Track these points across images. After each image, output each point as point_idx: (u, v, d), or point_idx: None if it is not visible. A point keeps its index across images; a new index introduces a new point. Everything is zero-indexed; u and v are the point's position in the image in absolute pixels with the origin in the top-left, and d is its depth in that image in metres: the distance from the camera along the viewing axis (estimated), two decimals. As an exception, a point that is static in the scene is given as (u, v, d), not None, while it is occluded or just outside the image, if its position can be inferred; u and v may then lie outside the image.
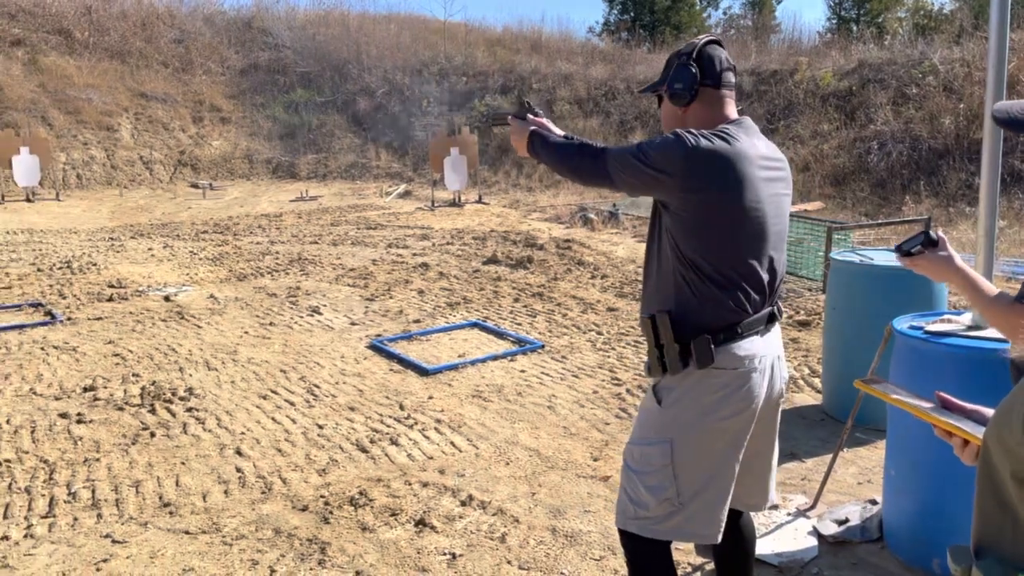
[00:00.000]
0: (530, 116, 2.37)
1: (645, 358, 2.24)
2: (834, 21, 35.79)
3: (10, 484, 3.64)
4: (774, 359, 2.10)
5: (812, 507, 3.30)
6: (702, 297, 1.99)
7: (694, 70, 2.04)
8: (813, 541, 3.07)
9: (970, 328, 2.74)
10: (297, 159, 19.99)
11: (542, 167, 16.11)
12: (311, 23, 26.37)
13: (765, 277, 2.04)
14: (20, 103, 19.03)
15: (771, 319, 2.09)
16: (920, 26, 28.11)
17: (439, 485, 3.58)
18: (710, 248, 1.98)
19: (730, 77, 2.10)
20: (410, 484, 3.60)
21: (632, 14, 37.67)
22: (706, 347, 1.97)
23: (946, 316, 2.91)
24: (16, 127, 16.98)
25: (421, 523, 3.23)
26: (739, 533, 2.28)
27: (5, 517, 3.34)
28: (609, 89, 17.10)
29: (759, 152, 2.03)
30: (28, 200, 15.33)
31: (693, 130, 1.98)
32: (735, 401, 2.00)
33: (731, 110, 2.10)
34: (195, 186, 18.09)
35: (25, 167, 15.22)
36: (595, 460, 3.85)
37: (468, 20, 35.70)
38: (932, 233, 1.84)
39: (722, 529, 2.07)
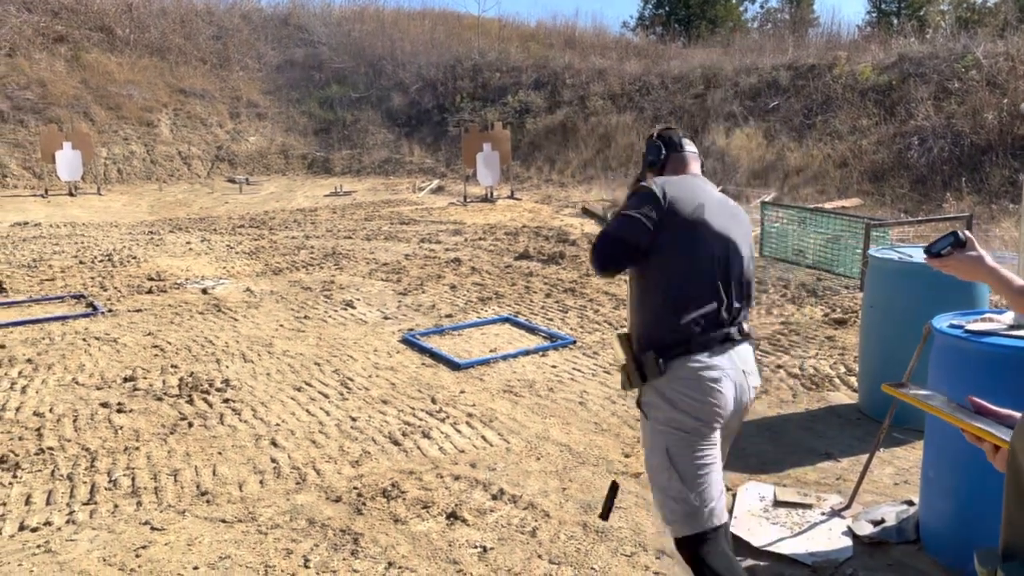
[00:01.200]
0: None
1: None
2: (874, 15, 35.19)
3: (53, 471, 3.73)
4: (737, 374, 2.34)
5: (847, 507, 3.26)
6: (657, 318, 2.30)
7: (660, 144, 2.54)
8: (848, 541, 3.03)
9: (1012, 327, 2.69)
10: (332, 154, 20.16)
11: (574, 163, 16.08)
12: (346, 19, 26.56)
13: (721, 302, 2.32)
14: (63, 99, 19.43)
15: (728, 339, 2.33)
16: (963, 19, 27.52)
17: (471, 479, 3.60)
18: (669, 275, 2.30)
19: (688, 145, 2.56)
20: (442, 477, 3.63)
21: (667, 8, 37.38)
22: (654, 362, 2.26)
23: (987, 315, 2.85)
24: (59, 123, 17.36)
25: (453, 516, 3.25)
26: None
27: (48, 503, 3.42)
28: (643, 84, 16.99)
29: (715, 196, 2.43)
30: (70, 194, 15.65)
31: (657, 179, 2.38)
32: (694, 405, 2.26)
33: (694, 168, 2.55)
34: (232, 181, 18.34)
35: (68, 162, 15.55)
36: (627, 457, 3.84)
37: (502, 16, 35.68)
38: (960, 233, 1.86)
39: (723, 510, 2.33)
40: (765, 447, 3.95)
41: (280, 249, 9.75)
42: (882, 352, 4.10)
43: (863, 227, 6.95)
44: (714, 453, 2.29)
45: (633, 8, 66.00)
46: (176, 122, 20.59)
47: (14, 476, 3.67)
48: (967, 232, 1.87)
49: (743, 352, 2.39)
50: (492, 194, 14.23)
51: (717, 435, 2.31)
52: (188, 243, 10.28)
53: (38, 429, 4.23)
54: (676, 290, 2.28)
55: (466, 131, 14.38)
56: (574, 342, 5.73)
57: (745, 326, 2.42)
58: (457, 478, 3.61)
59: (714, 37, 30.77)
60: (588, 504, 3.36)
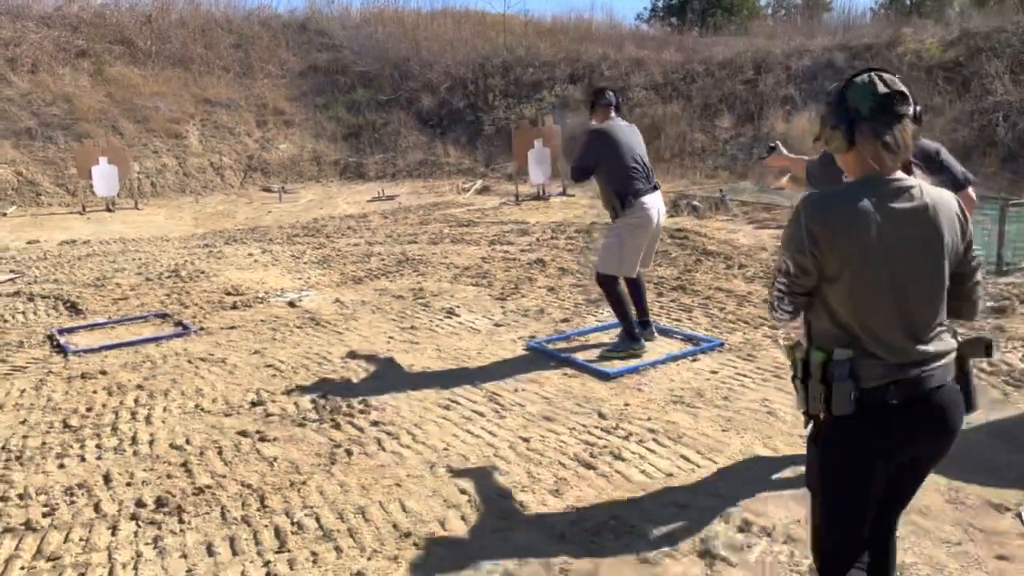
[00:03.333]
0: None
1: None
2: (887, -2, 34.66)
3: (223, 513, 3.33)
4: (658, 206, 5.13)
5: None
6: (618, 186, 5.02)
7: (591, 98, 5.24)
8: None
9: None
10: (365, 159, 19.78)
11: (623, 156, 15.64)
12: (366, 22, 26.19)
13: (644, 169, 5.07)
14: (90, 114, 19.11)
15: (653, 188, 5.10)
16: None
17: (700, 507, 3.18)
18: (615, 166, 5.00)
19: (606, 100, 5.13)
20: (664, 506, 3.21)
21: (681, -1, 36.88)
22: (624, 204, 5.03)
23: None
24: (89, 138, 17.03)
25: (707, 554, 2.84)
26: (638, 279, 5.35)
27: (235, 553, 3.02)
28: (687, 73, 16.54)
29: (621, 124, 5.12)
30: (108, 210, 15.32)
31: (594, 127, 5.11)
32: (641, 222, 5.05)
33: (611, 112, 5.13)
34: (267, 190, 18.00)
35: (104, 177, 15.22)
36: (861, 473, 3.41)
37: (516, 12, 35.20)
38: (772, 144, 4.12)
39: (635, 272, 5.23)
40: (1016, 457, 3.52)
41: (348, 257, 9.35)
42: None
43: (997, 207, 6.50)
44: (639, 244, 5.10)
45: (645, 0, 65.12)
46: (204, 133, 20.23)
47: (181, 521, 3.28)
48: (778, 143, 4.16)
49: (658, 195, 5.13)
50: (544, 192, 13.81)
51: (644, 236, 5.10)
52: (250, 255, 9.90)
53: (183, 464, 3.83)
54: (623, 170, 4.97)
55: (516, 127, 13.95)
56: (722, 344, 5.30)
57: (655, 182, 5.15)
58: (684, 507, 3.20)
59: (730, 25, 30.32)
60: (857, 533, 2.93)
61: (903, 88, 1.93)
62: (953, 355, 2.01)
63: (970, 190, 3.20)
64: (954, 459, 3.43)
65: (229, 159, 19.56)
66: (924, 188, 1.95)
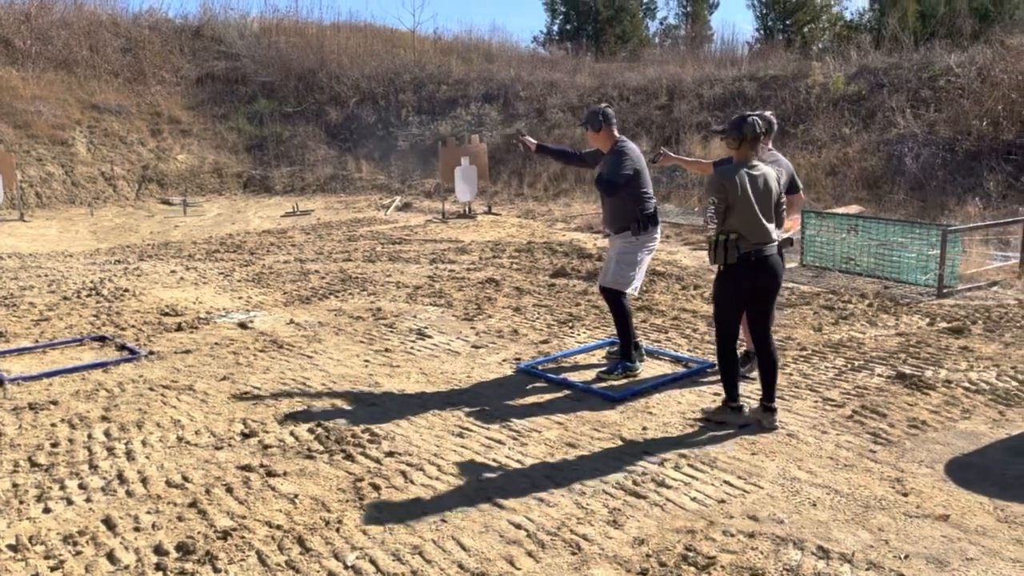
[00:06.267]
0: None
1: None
2: (761, 32, 36.79)
3: (261, 559, 3.02)
4: (659, 231, 5.28)
5: None
6: (638, 205, 5.05)
7: (601, 118, 5.07)
8: None
9: None
10: (270, 172, 19.06)
11: (544, 176, 15.73)
12: (265, 31, 25.34)
13: (654, 197, 5.22)
14: (-37, 116, 17.57)
15: (656, 211, 5.18)
16: (841, 36, 29.14)
17: (769, 535, 3.15)
18: (642, 184, 5.05)
19: (613, 120, 5.09)
20: (732, 535, 3.16)
21: (575, 24, 37.77)
22: (649, 222, 5.11)
23: None
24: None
25: (800, 582, 2.80)
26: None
27: (295, 605, 2.74)
28: (602, 96, 16.88)
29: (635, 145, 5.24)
30: (-10, 221, 14.06)
31: (617, 144, 5.09)
32: (654, 241, 5.21)
33: (615, 132, 5.11)
34: (167, 202, 17.06)
35: (-13, 185, 13.97)
36: (906, 495, 3.48)
37: (420, 30, 34.90)
38: (660, 152, 5.54)
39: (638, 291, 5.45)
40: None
41: (283, 276, 8.92)
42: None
43: (939, 234, 6.90)
44: (648, 262, 5.27)
45: (540, 23, 66.15)
46: (93, 140, 18.96)
47: (216, 570, 2.95)
48: (664, 149, 5.71)
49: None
50: (470, 210, 13.70)
51: (651, 255, 5.29)
52: (173, 271, 9.28)
53: (192, 504, 3.47)
54: (647, 190, 5.09)
55: (443, 144, 13.79)
56: (713, 366, 5.34)
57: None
58: (752, 535, 3.15)
59: (623, 50, 31.29)
60: (935, 559, 2.97)
61: (760, 124, 4.09)
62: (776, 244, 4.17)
63: (800, 194, 5.02)
64: (981, 474, 3.55)
65: (121, 169, 18.41)
66: (761, 167, 4.15)
